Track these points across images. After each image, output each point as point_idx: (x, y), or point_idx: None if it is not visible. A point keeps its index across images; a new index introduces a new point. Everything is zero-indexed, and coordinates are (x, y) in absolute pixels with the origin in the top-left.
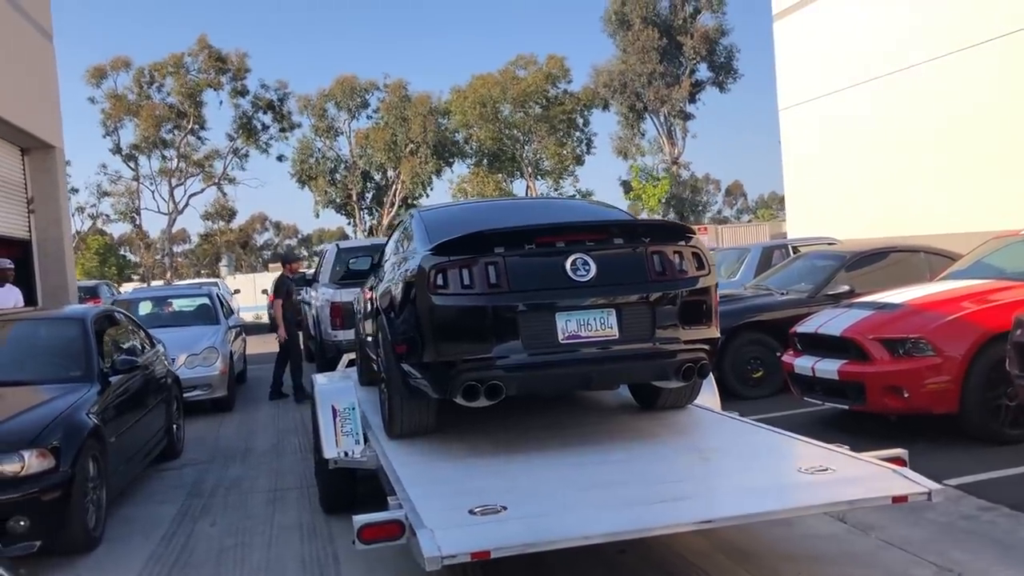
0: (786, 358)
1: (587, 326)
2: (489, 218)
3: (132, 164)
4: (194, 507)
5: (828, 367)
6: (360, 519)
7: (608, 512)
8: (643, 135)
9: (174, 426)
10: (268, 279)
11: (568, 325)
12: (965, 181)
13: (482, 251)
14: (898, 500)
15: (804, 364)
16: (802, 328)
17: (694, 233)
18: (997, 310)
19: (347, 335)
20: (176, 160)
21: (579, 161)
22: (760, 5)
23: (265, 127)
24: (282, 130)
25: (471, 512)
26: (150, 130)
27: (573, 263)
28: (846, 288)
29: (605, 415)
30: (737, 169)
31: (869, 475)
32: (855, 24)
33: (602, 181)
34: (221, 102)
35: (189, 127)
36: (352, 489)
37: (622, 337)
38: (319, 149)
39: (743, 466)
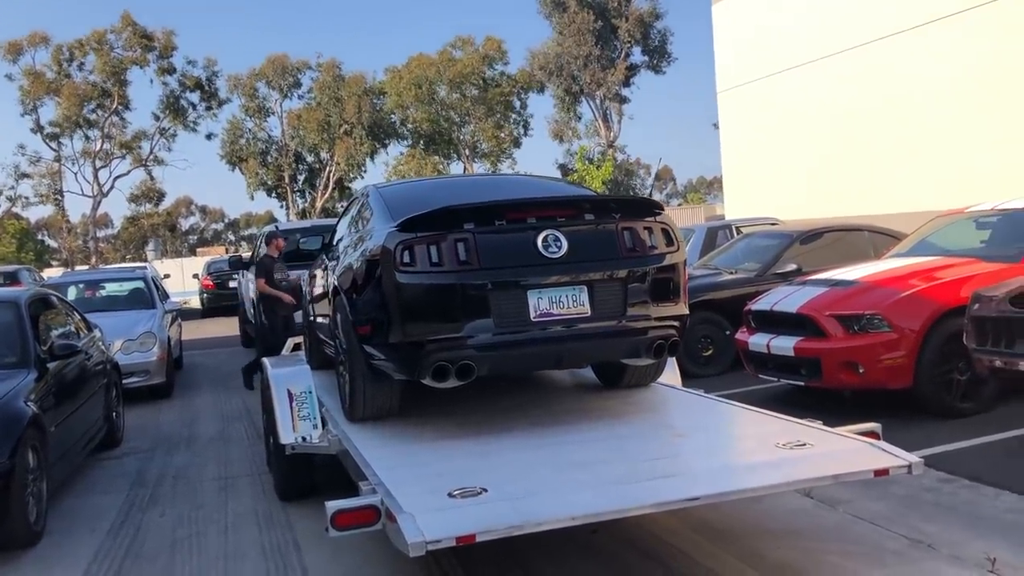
0: (740, 336)
1: (559, 304)
2: (453, 194)
3: (53, 144)
4: (140, 497)
5: (784, 344)
6: (333, 505)
7: (592, 492)
8: (579, 118)
9: (114, 413)
10: (197, 264)
11: (540, 303)
12: (902, 162)
13: (451, 227)
14: (879, 473)
15: (759, 341)
16: (756, 306)
17: (662, 209)
18: (948, 286)
19: None
20: (100, 141)
21: (516, 144)
22: None
23: (193, 106)
24: (209, 108)
25: (450, 495)
26: (72, 109)
27: (544, 239)
28: (794, 267)
29: (570, 394)
30: (666, 153)
31: (847, 449)
32: (793, 6)
33: (539, 164)
34: (152, 81)
35: (113, 107)
36: (310, 475)
37: (594, 314)
38: (249, 130)
39: (720, 443)
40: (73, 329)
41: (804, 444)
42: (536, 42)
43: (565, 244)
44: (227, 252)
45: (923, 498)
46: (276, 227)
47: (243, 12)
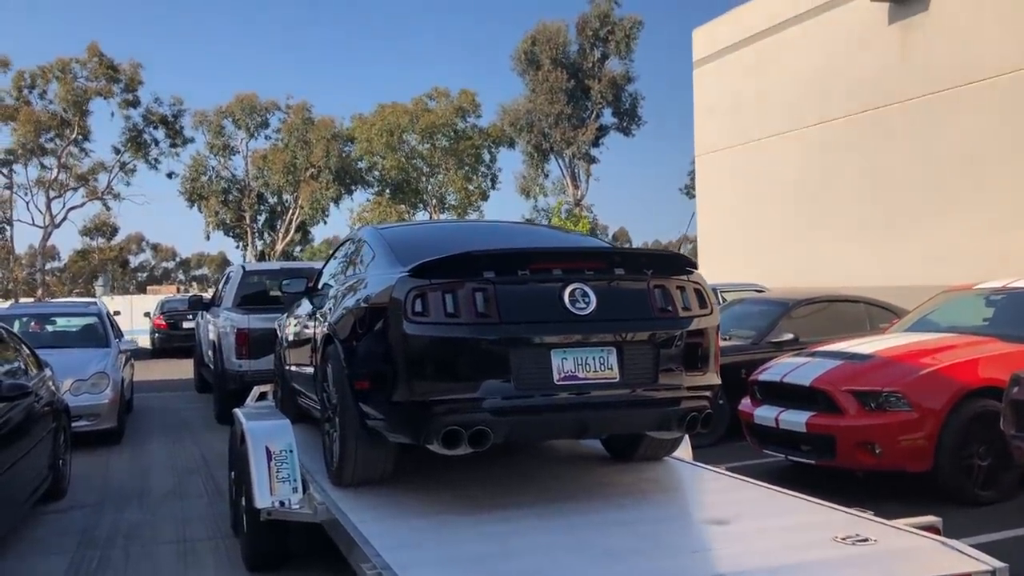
0: (743, 407)
1: (585, 366)
2: (461, 240)
3: (5, 171)
4: (88, 560)
5: (795, 419)
6: None
7: None
8: (546, 175)
9: (60, 461)
10: (147, 302)
11: (564, 364)
12: (877, 236)
13: (469, 275)
14: None
15: (766, 414)
16: (764, 376)
17: (695, 267)
18: (968, 365)
19: (254, 365)
20: (56, 171)
21: (484, 196)
22: (667, 56)
23: (156, 142)
24: (173, 145)
25: None
26: (28, 136)
27: (572, 294)
28: (791, 336)
29: (573, 465)
30: (624, 216)
31: (916, 547)
32: (774, 74)
33: (505, 218)
34: (112, 114)
35: (73, 136)
36: (284, 542)
37: (623, 380)
38: (213, 167)
39: (769, 534)
40: (23, 366)
41: (867, 540)
42: (507, 98)
43: (594, 300)
44: (179, 291)
45: None
46: (243, 267)
47: (214, 48)
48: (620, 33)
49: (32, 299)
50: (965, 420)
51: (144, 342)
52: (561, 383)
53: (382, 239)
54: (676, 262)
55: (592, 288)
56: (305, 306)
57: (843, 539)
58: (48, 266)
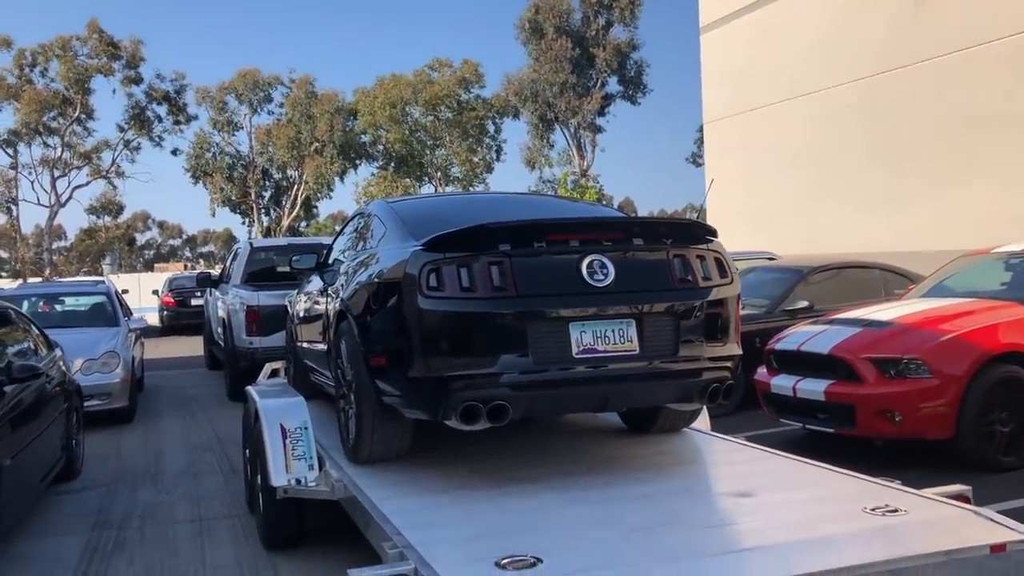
0: (760, 376)
1: (604, 339)
2: (475, 212)
3: (10, 151)
4: (104, 541)
5: (813, 387)
6: (358, 574)
7: (666, 567)
8: (552, 146)
9: (74, 442)
10: (155, 279)
11: (583, 337)
12: (889, 201)
13: (485, 248)
14: (996, 549)
15: (783, 383)
16: (780, 345)
17: (716, 235)
18: (990, 330)
19: (264, 342)
20: (60, 149)
21: (489, 168)
22: (672, 23)
23: (159, 119)
24: (176, 123)
25: (499, 565)
26: (32, 116)
27: (590, 265)
28: (806, 304)
29: (591, 437)
30: (633, 185)
31: (948, 517)
32: (783, 39)
33: (510, 190)
34: (115, 91)
35: (76, 115)
36: (300, 520)
37: (643, 352)
38: (216, 144)
39: (795, 506)
40: (32, 347)
41: (897, 510)
42: (512, 68)
43: (612, 271)
44: (186, 268)
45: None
46: (251, 243)
47: (215, 25)
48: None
49: (40, 279)
50: (987, 386)
51: (153, 320)
52: (580, 356)
53: (394, 213)
54: (695, 231)
55: (610, 259)
56: (316, 282)
57: (873, 510)
58: (55, 245)
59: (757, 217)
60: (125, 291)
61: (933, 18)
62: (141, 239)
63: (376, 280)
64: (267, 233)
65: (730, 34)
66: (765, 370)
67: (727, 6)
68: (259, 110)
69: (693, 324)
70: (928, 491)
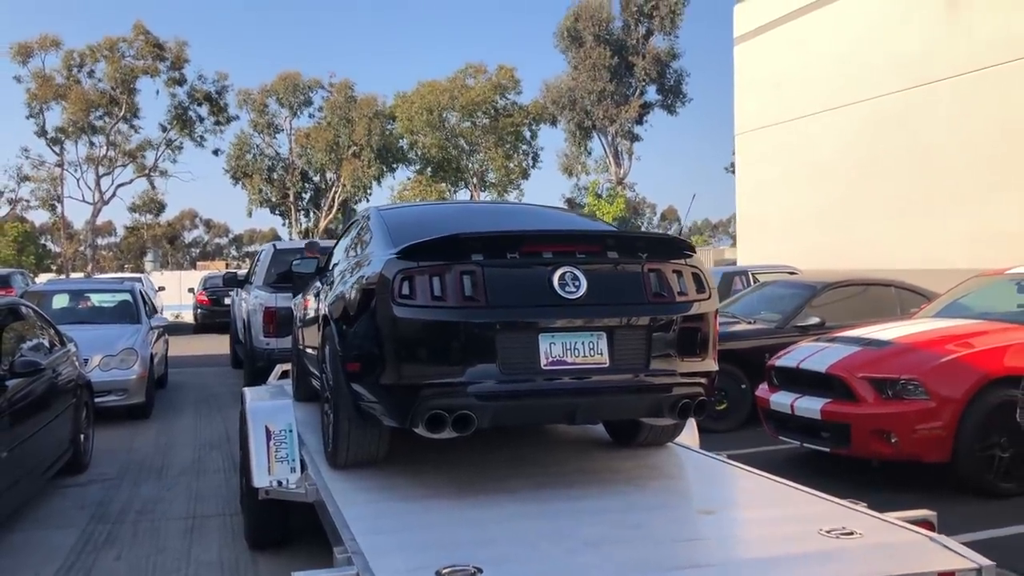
0: (760, 393)
1: (574, 351)
2: (461, 221)
3: (57, 149)
4: (97, 534)
5: (810, 405)
6: None
7: None
8: (589, 153)
9: (81, 436)
10: (196, 277)
11: (552, 349)
12: (920, 217)
13: (457, 257)
14: None
15: (782, 401)
16: (781, 362)
17: (694, 251)
18: (992, 353)
19: (281, 344)
20: (105, 148)
21: (525, 175)
22: (712, 32)
23: (201, 119)
24: (218, 123)
25: (439, 574)
26: (79, 115)
27: (561, 277)
28: (817, 320)
29: (575, 449)
30: (673, 194)
31: (903, 542)
32: (816, 51)
33: (546, 197)
34: (158, 92)
35: (121, 114)
36: (283, 522)
37: (613, 365)
38: (257, 145)
39: (754, 525)
40: (45, 343)
41: (852, 533)
42: (550, 75)
43: (584, 284)
44: (227, 267)
45: None
46: (275, 245)
47: (257, 28)
48: (665, 8)
49: (82, 274)
50: (987, 410)
51: (188, 317)
52: (548, 368)
53: (382, 220)
54: (673, 246)
55: (583, 271)
56: (315, 286)
57: (828, 532)
58: (104, 241)
59: (787, 228)
60: (162, 288)
61: (967, 31)
62: (188, 237)
63: (355, 286)
64: (305, 234)
65: (763, 46)
66: (766, 386)
67: (761, 18)
68: (299, 113)
69: (666, 339)
70: (892, 515)
